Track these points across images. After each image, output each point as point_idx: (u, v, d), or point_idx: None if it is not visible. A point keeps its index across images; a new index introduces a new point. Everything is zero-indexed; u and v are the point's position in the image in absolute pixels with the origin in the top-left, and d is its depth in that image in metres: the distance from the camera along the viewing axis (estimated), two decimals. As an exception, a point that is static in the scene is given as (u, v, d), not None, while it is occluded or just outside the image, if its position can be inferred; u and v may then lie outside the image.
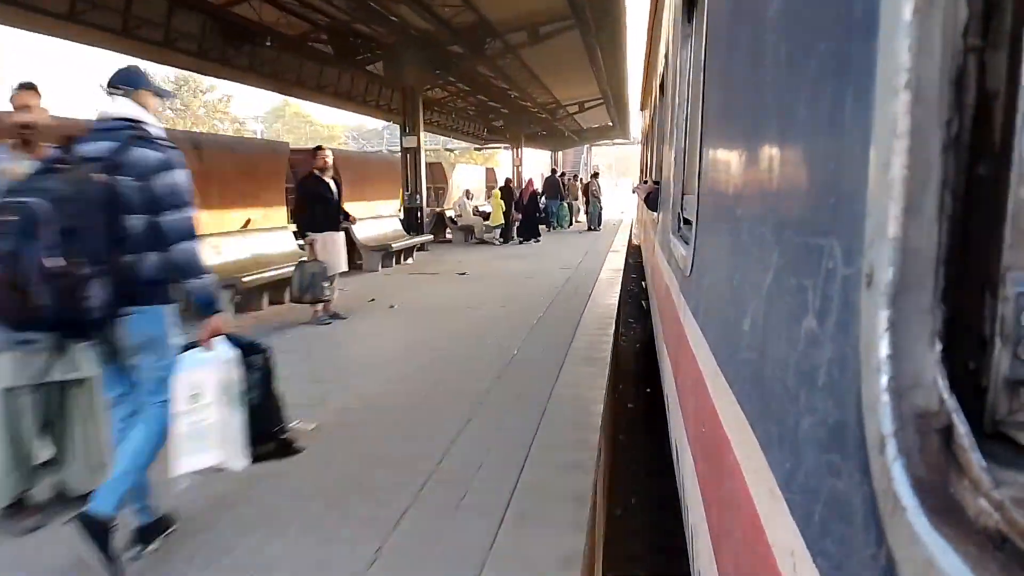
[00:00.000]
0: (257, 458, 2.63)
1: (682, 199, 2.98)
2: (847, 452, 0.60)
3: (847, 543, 0.61)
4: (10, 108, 2.95)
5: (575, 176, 24.93)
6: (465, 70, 18.25)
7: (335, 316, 7.28)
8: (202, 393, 2.45)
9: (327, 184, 7.09)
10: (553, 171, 20.90)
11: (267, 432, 2.67)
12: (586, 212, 20.84)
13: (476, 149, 51.40)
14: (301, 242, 7.89)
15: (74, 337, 2.49)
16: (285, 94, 19.68)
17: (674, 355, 2.99)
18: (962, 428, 0.46)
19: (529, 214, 16.81)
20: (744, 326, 1.18)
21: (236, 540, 2.75)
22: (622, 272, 10.78)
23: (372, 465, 3.44)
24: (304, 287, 6.81)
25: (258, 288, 7.97)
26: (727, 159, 1.45)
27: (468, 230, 17.26)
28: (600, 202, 20.56)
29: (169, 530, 2.76)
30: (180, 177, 2.49)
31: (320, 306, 7.16)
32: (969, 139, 0.47)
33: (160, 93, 2.74)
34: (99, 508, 2.39)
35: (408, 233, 13.83)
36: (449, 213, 18.02)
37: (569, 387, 4.66)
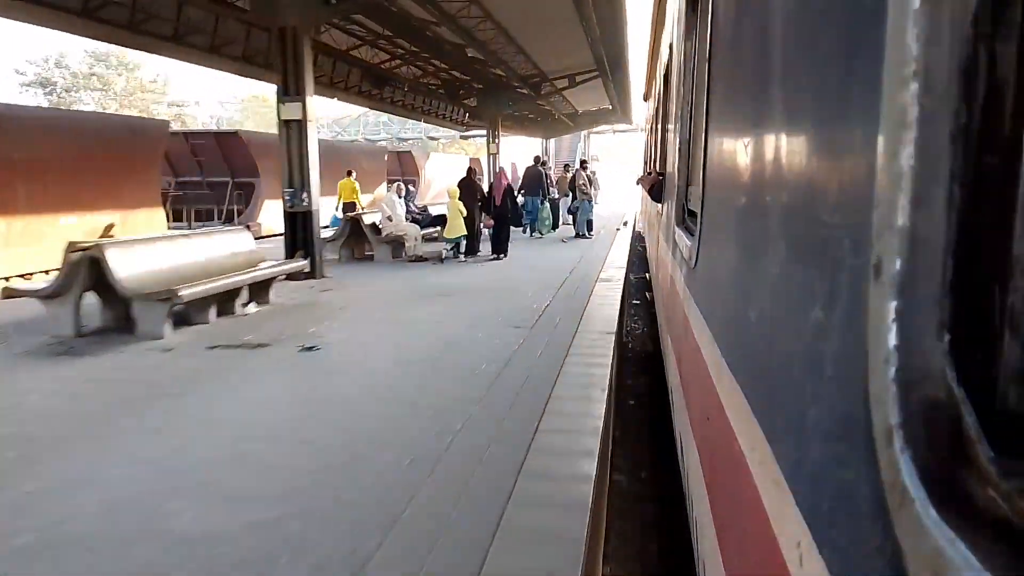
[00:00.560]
0: None
1: (687, 190, 2.97)
2: (854, 444, 0.60)
3: (854, 535, 0.61)
4: None
5: (566, 167, 18.75)
6: (402, 21, 14.39)
7: None
8: None
9: None
10: (536, 160, 15.41)
11: None
12: (571, 213, 15.58)
13: (462, 137, 47.90)
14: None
15: None
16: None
17: (679, 347, 2.99)
18: (970, 419, 0.46)
19: (504, 219, 11.51)
20: (750, 318, 1.18)
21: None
22: (615, 335, 5.47)
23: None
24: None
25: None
26: (732, 150, 1.44)
27: (396, 243, 11.50)
28: (592, 200, 15.39)
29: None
30: None
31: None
32: (978, 129, 0.46)
33: None
34: None
35: (291, 258, 8.74)
36: (374, 218, 11.91)
37: None
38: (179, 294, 5.65)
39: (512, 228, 12.75)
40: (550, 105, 27.97)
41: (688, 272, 2.44)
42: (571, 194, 15.55)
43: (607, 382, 4.13)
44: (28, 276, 9.49)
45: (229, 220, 18.91)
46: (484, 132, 38.46)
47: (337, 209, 15.76)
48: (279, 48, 9.27)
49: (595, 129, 45.09)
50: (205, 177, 20.09)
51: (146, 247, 6.14)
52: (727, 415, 1.35)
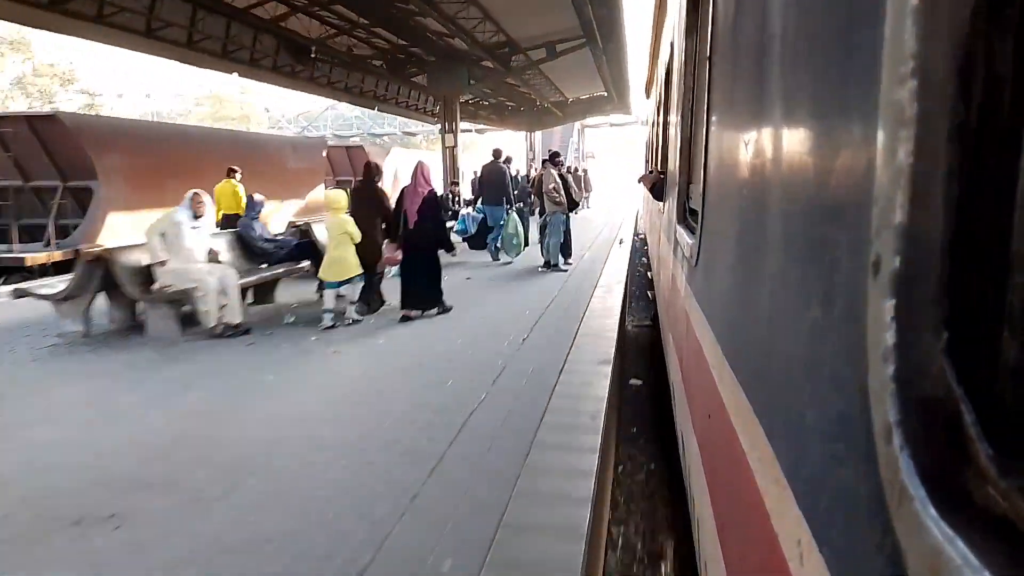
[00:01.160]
0: None
1: (688, 188, 2.97)
2: (853, 442, 0.60)
3: (854, 533, 0.61)
4: None
5: (546, 162, 12.41)
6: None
7: None
8: None
9: None
10: (496, 154, 11.04)
11: None
12: (541, 233, 10.03)
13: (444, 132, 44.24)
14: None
15: None
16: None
17: (680, 345, 2.99)
18: (969, 417, 0.46)
19: (419, 246, 6.56)
20: (750, 316, 1.18)
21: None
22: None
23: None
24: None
25: None
26: (733, 148, 1.44)
27: (176, 308, 5.94)
28: (570, 213, 9.84)
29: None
30: None
31: None
32: (976, 127, 0.46)
33: None
34: None
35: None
36: (141, 259, 6.08)
37: None
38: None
39: (473, 248, 10.58)
40: (528, 87, 22.78)
41: (689, 270, 2.44)
42: (538, 204, 10.17)
43: None
44: None
45: (63, 238, 12.64)
46: (481, 126, 34.22)
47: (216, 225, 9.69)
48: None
49: (589, 122, 41.69)
50: (28, 181, 13.24)
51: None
52: (728, 413, 1.35)
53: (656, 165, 6.84)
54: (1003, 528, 0.43)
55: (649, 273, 11.19)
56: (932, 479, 0.48)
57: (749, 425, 1.12)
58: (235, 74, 15.29)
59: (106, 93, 48.76)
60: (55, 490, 3.01)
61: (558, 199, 9.42)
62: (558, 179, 9.48)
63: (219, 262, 6.33)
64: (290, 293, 7.68)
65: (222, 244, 6.86)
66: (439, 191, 8.79)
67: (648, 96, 12.80)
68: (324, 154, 20.88)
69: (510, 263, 10.24)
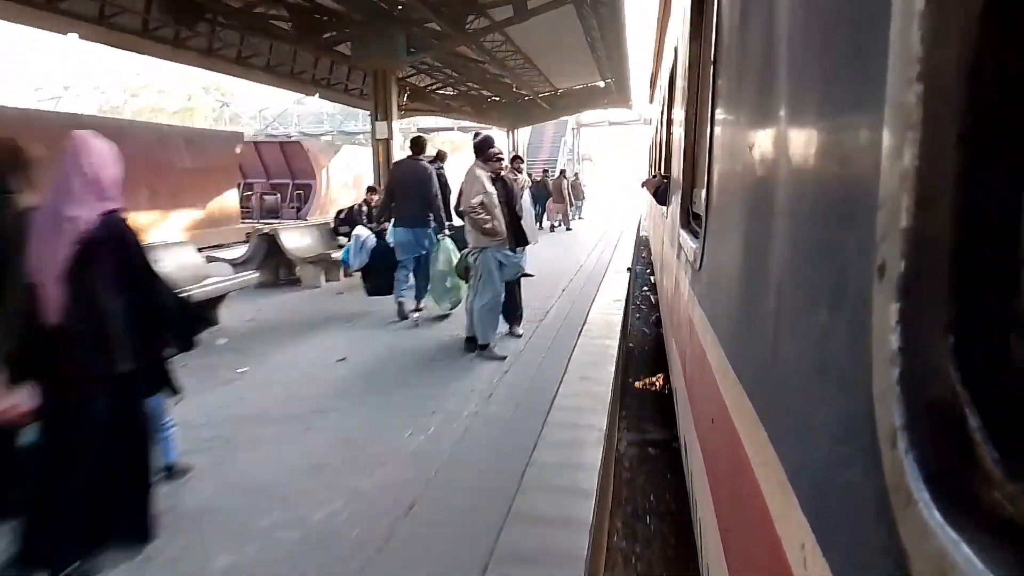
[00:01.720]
0: None
1: (691, 192, 2.97)
2: (858, 445, 0.60)
3: (858, 537, 0.61)
4: None
5: (514, 161, 10.63)
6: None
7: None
8: None
9: None
10: (415, 147, 6.73)
11: None
12: (463, 276, 5.82)
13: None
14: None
15: None
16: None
17: (683, 349, 2.98)
18: (974, 421, 0.46)
19: (76, 379, 2.19)
20: (754, 319, 1.18)
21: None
22: None
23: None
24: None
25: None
26: (737, 152, 1.44)
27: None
28: (536, 235, 6.12)
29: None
30: None
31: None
32: (983, 131, 0.46)
33: None
34: None
35: None
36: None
37: None
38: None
39: (373, 293, 6.96)
40: (505, 70, 17.84)
41: (693, 274, 2.44)
42: (471, 230, 5.39)
43: None
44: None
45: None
46: (466, 123, 29.05)
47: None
48: None
49: (585, 119, 37.38)
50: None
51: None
52: (731, 417, 1.35)
53: (660, 169, 6.82)
54: (1009, 532, 0.42)
55: (652, 277, 10.42)
56: (937, 482, 0.47)
57: (752, 429, 1.12)
58: (74, 35, 11.13)
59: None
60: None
61: (488, 225, 5.12)
62: (489, 188, 5.17)
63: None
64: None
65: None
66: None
67: (651, 101, 12.75)
68: (238, 150, 16.45)
69: (444, 315, 6.49)
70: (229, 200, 15.35)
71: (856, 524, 0.62)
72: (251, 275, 7.36)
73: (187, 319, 2.64)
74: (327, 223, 10.42)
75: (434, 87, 21.57)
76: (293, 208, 18.67)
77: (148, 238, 8.34)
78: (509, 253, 5.37)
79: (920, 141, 0.50)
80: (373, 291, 7.06)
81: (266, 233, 9.26)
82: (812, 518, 0.76)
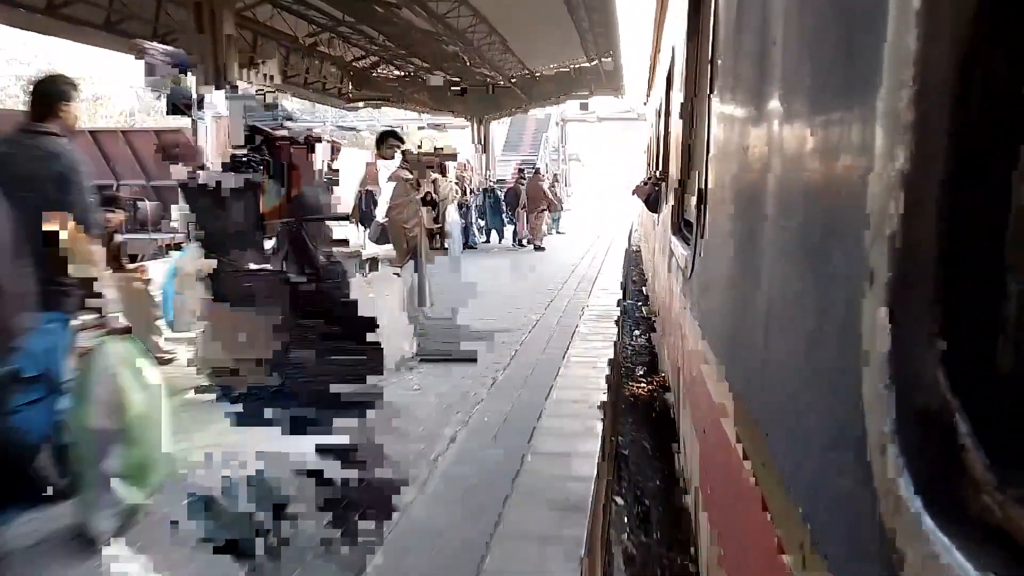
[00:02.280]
0: None
1: (683, 200, 2.98)
2: (850, 451, 0.60)
3: (852, 541, 0.61)
4: None
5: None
6: None
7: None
8: None
9: None
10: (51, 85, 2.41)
11: None
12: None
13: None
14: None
15: None
16: None
17: (676, 355, 2.98)
18: (964, 427, 0.46)
19: None
20: (746, 326, 1.18)
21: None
22: None
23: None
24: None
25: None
26: (729, 160, 1.45)
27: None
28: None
29: None
30: None
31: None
32: (974, 135, 0.47)
33: None
34: None
35: None
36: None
37: None
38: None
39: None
40: (454, 36, 14.07)
41: (684, 281, 2.45)
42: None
43: None
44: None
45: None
46: (440, 120, 24.64)
47: None
48: None
49: (571, 115, 31.83)
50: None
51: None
52: (725, 423, 1.35)
53: (657, 173, 6.82)
54: (999, 536, 0.43)
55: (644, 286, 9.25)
56: (928, 488, 0.48)
57: (747, 435, 1.12)
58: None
59: None
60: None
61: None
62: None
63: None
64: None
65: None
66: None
67: (646, 104, 12.68)
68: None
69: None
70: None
71: (850, 529, 0.62)
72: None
73: None
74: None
75: (376, 68, 17.92)
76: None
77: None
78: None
79: (909, 149, 0.50)
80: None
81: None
82: (807, 523, 0.76)
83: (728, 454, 1.27)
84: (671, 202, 3.36)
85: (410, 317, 4.37)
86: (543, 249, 11.94)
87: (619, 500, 3.39)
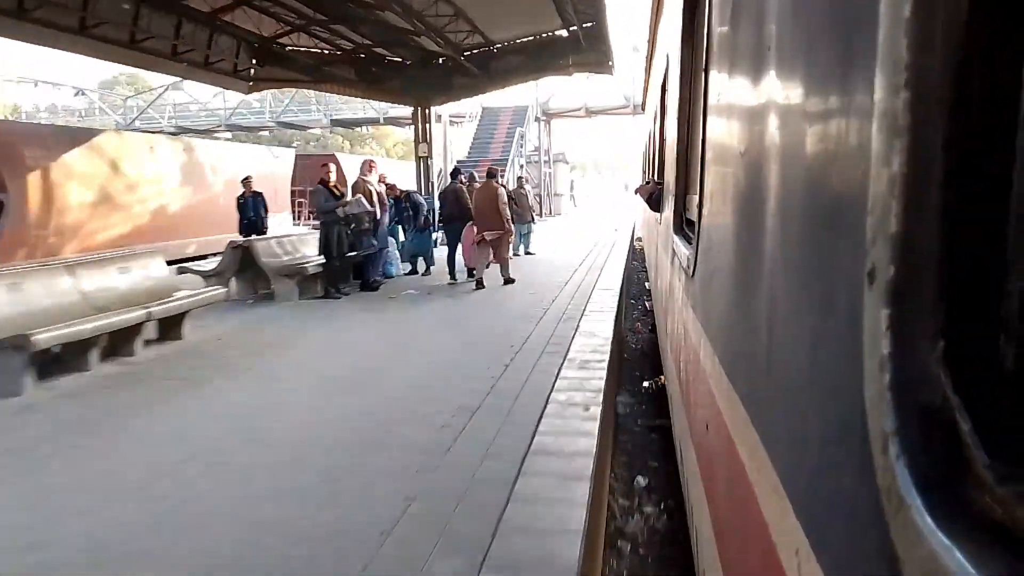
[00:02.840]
0: None
1: (684, 198, 2.98)
2: (850, 450, 0.60)
3: (852, 541, 0.61)
4: None
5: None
6: None
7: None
8: None
9: None
10: None
11: None
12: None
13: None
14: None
15: None
16: None
17: (677, 355, 2.99)
18: (965, 425, 0.46)
19: None
20: (747, 325, 1.18)
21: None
22: None
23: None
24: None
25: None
26: (729, 158, 1.45)
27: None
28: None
29: None
30: None
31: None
32: (970, 137, 0.47)
33: None
34: None
35: None
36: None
37: None
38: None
39: None
40: None
41: (686, 280, 2.44)
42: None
43: None
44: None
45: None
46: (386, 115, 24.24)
47: None
48: None
49: (555, 107, 27.74)
50: None
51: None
52: (726, 422, 1.35)
53: (654, 176, 6.83)
54: (1000, 536, 0.43)
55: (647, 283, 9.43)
56: (929, 487, 0.48)
57: (747, 434, 1.12)
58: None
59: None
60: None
61: None
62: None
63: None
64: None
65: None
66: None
67: (643, 109, 12.67)
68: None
69: None
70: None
71: (849, 529, 0.62)
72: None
73: None
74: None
75: (285, 38, 14.22)
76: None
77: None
78: None
79: (908, 147, 0.50)
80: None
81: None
82: (806, 523, 0.76)
83: (729, 451, 1.27)
84: (673, 201, 3.36)
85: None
86: (513, 281, 9.32)
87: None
